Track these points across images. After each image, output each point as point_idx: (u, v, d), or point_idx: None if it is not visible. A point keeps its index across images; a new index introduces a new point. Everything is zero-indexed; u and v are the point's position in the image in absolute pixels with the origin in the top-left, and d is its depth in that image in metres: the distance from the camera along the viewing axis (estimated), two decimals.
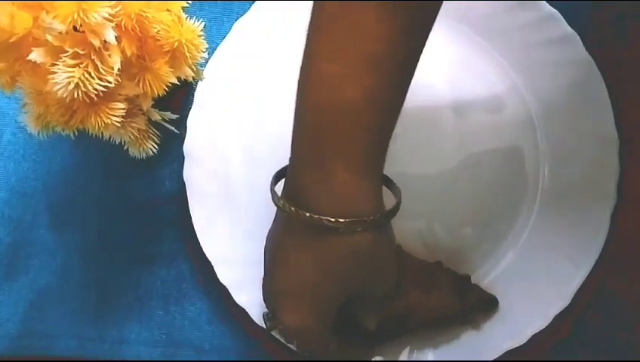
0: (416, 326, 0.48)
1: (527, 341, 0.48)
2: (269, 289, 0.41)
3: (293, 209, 0.37)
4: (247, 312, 0.49)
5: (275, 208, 0.39)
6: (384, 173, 0.40)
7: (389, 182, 0.43)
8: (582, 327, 0.50)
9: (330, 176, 0.36)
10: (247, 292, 0.49)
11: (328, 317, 0.40)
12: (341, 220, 0.36)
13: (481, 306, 0.49)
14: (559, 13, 0.50)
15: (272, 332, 0.48)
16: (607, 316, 0.50)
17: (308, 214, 0.37)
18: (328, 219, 0.36)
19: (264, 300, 0.42)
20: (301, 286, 0.39)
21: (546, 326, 0.48)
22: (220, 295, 0.50)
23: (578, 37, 0.50)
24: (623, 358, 0.50)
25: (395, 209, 0.40)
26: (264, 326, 0.47)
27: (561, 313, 0.48)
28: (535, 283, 0.49)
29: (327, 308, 0.40)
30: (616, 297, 0.51)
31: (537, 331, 0.48)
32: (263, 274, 0.49)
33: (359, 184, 0.37)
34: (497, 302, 0.49)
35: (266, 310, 0.43)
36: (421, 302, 0.48)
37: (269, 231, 0.42)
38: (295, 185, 0.38)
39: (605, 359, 0.50)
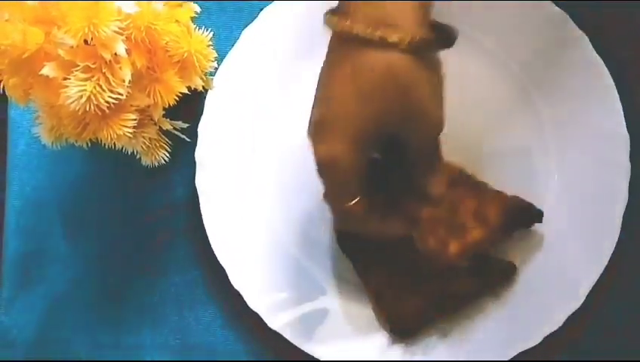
0: (439, 317, 0.49)
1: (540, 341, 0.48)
2: (311, 120, 0.40)
3: (333, 18, 0.37)
4: (260, 317, 0.49)
5: (289, 218, 0.38)
6: None
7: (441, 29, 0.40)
8: (594, 327, 0.50)
9: None
10: (260, 297, 0.50)
11: (360, 153, 0.39)
12: (375, 32, 0.36)
13: (500, 278, 0.49)
14: (567, 15, 0.50)
15: (281, 332, 0.48)
16: (619, 316, 0.51)
17: (347, 22, 0.36)
18: (361, 28, 0.36)
19: (307, 133, 0.40)
20: (337, 115, 0.38)
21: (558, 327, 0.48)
22: (233, 300, 0.51)
23: (587, 38, 0.50)
24: (634, 359, 0.50)
25: (442, 42, 0.38)
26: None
27: (573, 314, 0.48)
28: (547, 284, 0.49)
29: (360, 141, 0.38)
30: (629, 297, 0.51)
31: (550, 332, 0.48)
32: (274, 279, 0.50)
33: (403, 6, 0.36)
34: (515, 269, 0.49)
35: None
36: (441, 291, 0.48)
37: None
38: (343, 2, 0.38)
39: (616, 359, 0.50)
